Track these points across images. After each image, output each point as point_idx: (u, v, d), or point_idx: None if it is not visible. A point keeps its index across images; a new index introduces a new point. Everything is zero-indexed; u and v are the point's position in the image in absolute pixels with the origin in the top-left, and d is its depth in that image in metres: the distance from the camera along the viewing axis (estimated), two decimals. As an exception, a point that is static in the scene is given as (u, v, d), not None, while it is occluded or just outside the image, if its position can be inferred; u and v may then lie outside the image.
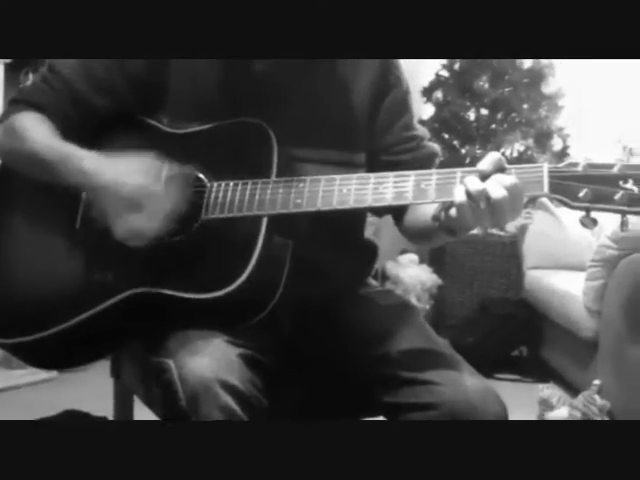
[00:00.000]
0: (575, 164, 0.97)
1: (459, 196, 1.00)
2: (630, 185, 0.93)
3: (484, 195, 0.98)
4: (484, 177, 1.00)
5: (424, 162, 1.26)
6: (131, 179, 1.12)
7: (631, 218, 0.94)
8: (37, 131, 1.21)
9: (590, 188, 0.95)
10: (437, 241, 1.25)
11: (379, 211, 1.35)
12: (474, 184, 0.99)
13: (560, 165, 0.98)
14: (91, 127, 1.25)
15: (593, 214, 0.96)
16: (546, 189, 0.98)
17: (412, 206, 1.27)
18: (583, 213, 0.96)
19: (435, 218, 1.10)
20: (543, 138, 3.85)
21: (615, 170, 0.95)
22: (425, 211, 1.19)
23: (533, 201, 3.50)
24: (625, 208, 0.93)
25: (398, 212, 1.32)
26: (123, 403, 1.52)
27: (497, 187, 0.98)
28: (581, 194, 0.96)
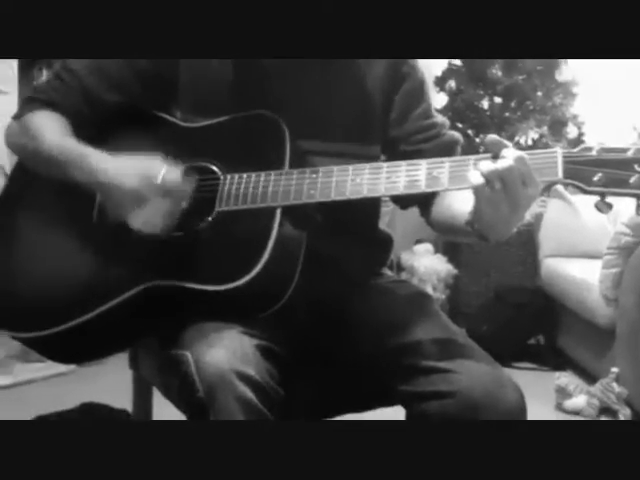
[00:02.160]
0: (589, 148, 0.96)
1: (475, 179, 0.99)
2: None
3: (497, 174, 0.97)
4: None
5: (445, 150, 1.25)
6: (130, 176, 1.13)
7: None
8: (50, 130, 1.22)
9: (604, 172, 0.95)
10: (467, 240, 1.25)
11: (404, 203, 1.35)
12: (487, 165, 0.98)
13: (574, 150, 0.97)
14: (104, 122, 1.26)
15: (608, 198, 0.95)
16: (560, 174, 0.97)
17: (438, 199, 1.26)
18: (598, 198, 0.96)
19: (469, 224, 1.08)
20: (558, 126, 3.82)
21: (630, 154, 0.94)
22: (454, 208, 1.17)
23: (548, 189, 3.48)
24: None
25: (424, 204, 1.30)
26: (142, 395, 1.54)
27: (504, 160, 0.97)
28: (595, 178, 0.95)
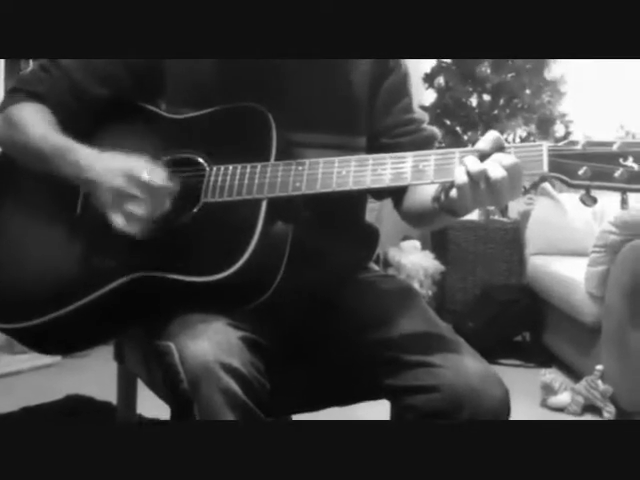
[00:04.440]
0: (575, 142, 0.97)
1: (459, 177, 1.00)
2: (630, 162, 0.92)
3: (484, 175, 0.98)
4: (483, 157, 1.00)
5: (422, 145, 1.26)
6: (115, 175, 1.12)
7: (631, 197, 0.94)
8: (34, 123, 1.21)
9: (589, 166, 0.95)
10: (438, 223, 1.25)
11: (379, 194, 1.35)
12: (474, 164, 0.99)
13: (560, 144, 0.98)
14: (90, 114, 1.25)
15: (593, 192, 0.96)
16: (545, 168, 0.97)
17: (410, 189, 1.27)
18: (583, 192, 0.96)
19: (435, 199, 1.10)
20: (545, 124, 3.83)
21: (615, 148, 0.94)
22: (424, 193, 1.18)
23: (535, 187, 3.49)
24: (625, 185, 0.93)
25: (397, 195, 1.31)
26: (126, 387, 1.53)
27: (497, 167, 0.98)
28: (580, 172, 0.95)
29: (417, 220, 1.31)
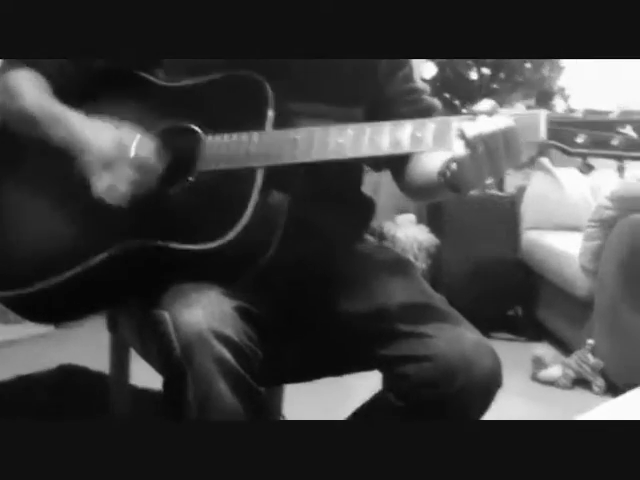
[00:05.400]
0: (573, 110, 0.97)
1: (457, 146, 0.99)
2: (628, 130, 0.92)
3: (480, 138, 0.97)
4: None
5: (423, 116, 1.24)
6: (104, 141, 1.13)
7: (629, 168, 0.94)
8: (29, 89, 1.21)
9: (588, 133, 0.95)
10: (439, 198, 1.25)
11: (377, 165, 1.34)
12: (470, 129, 0.98)
13: (558, 111, 0.98)
14: (87, 82, 1.25)
15: (591, 161, 0.96)
16: (543, 135, 0.97)
17: (411, 161, 1.26)
18: (580, 159, 0.96)
19: (441, 174, 1.09)
20: (545, 98, 3.82)
21: (613, 116, 0.94)
22: (425, 166, 1.18)
23: (532, 161, 3.49)
24: (622, 153, 0.93)
25: (396, 166, 1.31)
26: (119, 357, 1.53)
27: (490, 125, 0.97)
28: (578, 140, 0.95)
29: (417, 193, 1.31)
